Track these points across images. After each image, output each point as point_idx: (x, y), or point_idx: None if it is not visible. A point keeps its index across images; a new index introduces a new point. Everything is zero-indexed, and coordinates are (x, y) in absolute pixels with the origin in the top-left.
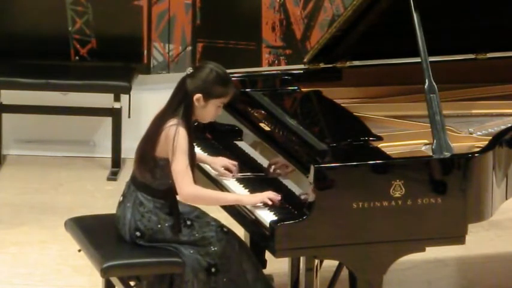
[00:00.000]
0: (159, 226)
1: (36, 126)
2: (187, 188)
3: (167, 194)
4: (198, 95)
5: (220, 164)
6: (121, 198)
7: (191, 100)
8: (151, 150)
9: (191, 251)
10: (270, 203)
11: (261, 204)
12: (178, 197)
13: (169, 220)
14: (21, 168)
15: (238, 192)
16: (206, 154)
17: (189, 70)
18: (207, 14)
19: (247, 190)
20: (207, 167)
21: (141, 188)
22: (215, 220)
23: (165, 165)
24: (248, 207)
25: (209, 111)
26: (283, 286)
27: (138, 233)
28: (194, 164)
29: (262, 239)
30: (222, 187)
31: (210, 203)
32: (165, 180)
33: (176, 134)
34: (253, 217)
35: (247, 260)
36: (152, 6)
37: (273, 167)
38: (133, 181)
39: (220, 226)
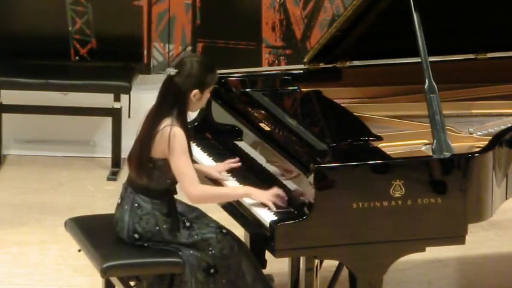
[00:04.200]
0: (157, 228)
1: (36, 126)
2: (194, 191)
3: (165, 194)
4: (195, 91)
5: (215, 170)
6: (119, 201)
7: (187, 98)
8: (147, 153)
9: (191, 251)
10: (277, 201)
11: (269, 201)
12: (187, 198)
13: (167, 222)
14: (21, 168)
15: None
16: (205, 155)
17: (173, 71)
18: (207, 14)
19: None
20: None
21: (139, 190)
22: (214, 221)
23: (162, 166)
24: (248, 206)
25: (204, 100)
26: (283, 286)
27: (136, 235)
28: (192, 161)
29: (262, 239)
30: (217, 183)
31: (220, 200)
32: (163, 181)
33: (173, 136)
34: (253, 217)
35: (247, 260)
36: (152, 6)
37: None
38: (130, 184)
39: (220, 227)
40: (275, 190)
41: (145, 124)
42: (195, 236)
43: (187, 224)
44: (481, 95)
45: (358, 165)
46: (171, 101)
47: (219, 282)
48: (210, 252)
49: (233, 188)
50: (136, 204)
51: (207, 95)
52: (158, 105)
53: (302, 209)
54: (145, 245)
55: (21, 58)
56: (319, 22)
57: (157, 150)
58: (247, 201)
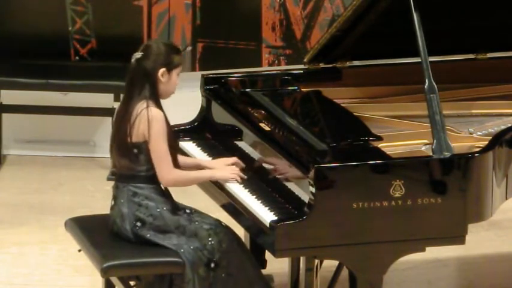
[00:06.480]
0: (158, 210)
1: (36, 126)
2: (166, 175)
3: (155, 178)
4: (161, 70)
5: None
6: (112, 202)
7: (155, 78)
8: (128, 138)
9: (191, 247)
10: (238, 172)
11: (233, 175)
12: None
13: (167, 203)
14: (21, 168)
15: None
16: (205, 155)
17: (137, 55)
18: (207, 14)
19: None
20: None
21: (131, 180)
22: (210, 216)
23: (146, 148)
24: (248, 206)
25: (173, 82)
26: (283, 286)
27: (138, 223)
28: (176, 144)
29: (262, 239)
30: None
31: (190, 184)
32: (150, 164)
33: (152, 118)
34: (253, 217)
35: (246, 257)
36: (152, 6)
37: (274, 170)
38: (120, 179)
39: (218, 221)
40: (232, 160)
41: (119, 112)
42: (196, 223)
43: (188, 211)
44: (481, 95)
45: (358, 165)
46: (140, 84)
47: (218, 277)
48: (210, 243)
49: (200, 172)
50: (131, 194)
51: (175, 77)
52: (128, 90)
53: (302, 209)
54: (148, 236)
55: (21, 58)
56: (319, 22)
57: (139, 134)
58: (246, 200)
